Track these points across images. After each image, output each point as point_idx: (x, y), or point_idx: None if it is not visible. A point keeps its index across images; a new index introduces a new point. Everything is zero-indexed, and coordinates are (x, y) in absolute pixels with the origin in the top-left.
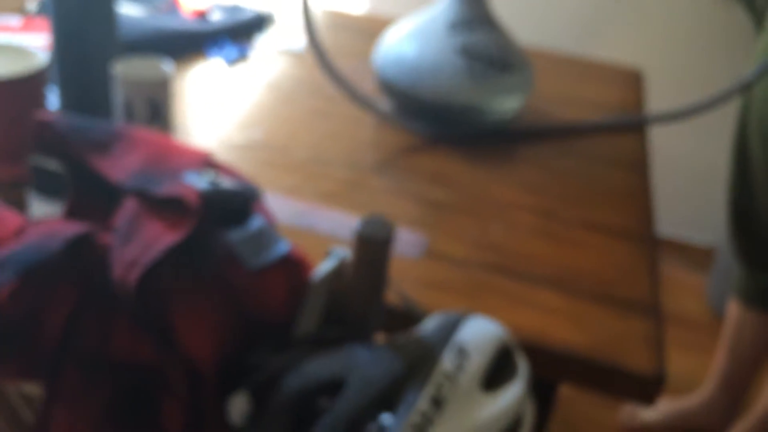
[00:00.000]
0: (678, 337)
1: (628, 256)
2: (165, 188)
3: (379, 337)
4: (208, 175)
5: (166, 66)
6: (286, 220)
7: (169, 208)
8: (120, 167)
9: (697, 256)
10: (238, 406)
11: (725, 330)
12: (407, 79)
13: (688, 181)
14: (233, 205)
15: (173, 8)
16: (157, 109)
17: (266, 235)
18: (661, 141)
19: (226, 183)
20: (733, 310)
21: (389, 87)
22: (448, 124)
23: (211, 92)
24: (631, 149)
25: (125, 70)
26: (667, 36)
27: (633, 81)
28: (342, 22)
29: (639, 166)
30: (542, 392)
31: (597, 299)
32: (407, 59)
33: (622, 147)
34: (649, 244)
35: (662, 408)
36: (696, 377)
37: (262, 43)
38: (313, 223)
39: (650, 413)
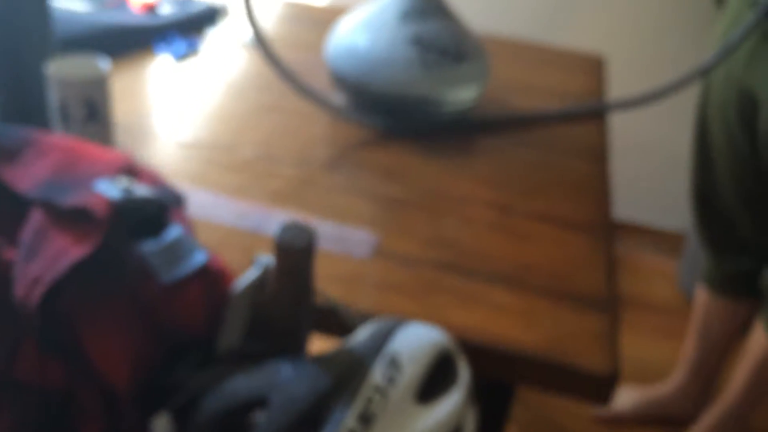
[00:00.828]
0: (649, 322)
1: (584, 248)
2: (72, 198)
3: (313, 349)
4: (121, 182)
5: (103, 64)
6: (230, 222)
7: (77, 219)
8: (28, 176)
9: (668, 242)
10: (161, 428)
11: (694, 317)
12: (359, 71)
13: (658, 166)
14: (148, 214)
15: (121, 2)
16: (93, 109)
17: (182, 246)
18: (631, 126)
19: (142, 191)
20: (701, 297)
21: (341, 80)
22: (402, 117)
23: (156, 89)
24: (590, 138)
25: (59, 69)
26: (630, 20)
27: (594, 68)
28: (300, 14)
29: (597, 155)
30: (499, 394)
31: (551, 295)
32: (358, 51)
33: (580, 136)
34: (605, 236)
35: (634, 396)
36: (668, 363)
37: (214, 36)
38: (258, 225)
39: (622, 402)
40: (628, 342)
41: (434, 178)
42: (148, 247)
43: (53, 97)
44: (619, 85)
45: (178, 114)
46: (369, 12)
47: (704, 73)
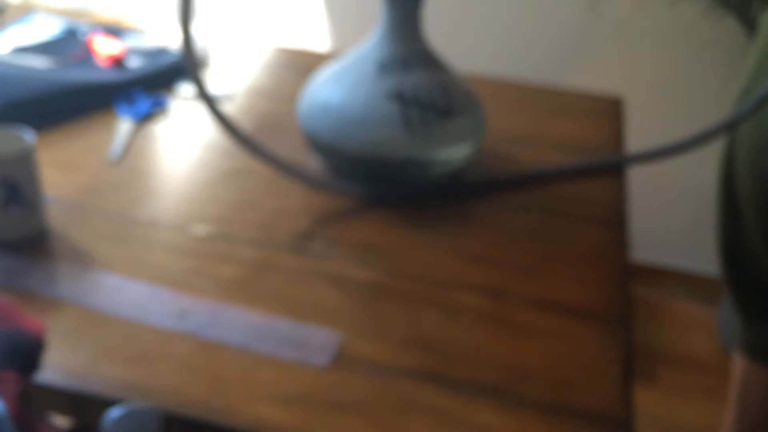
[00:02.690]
0: (685, 380)
1: (593, 345)
2: None
3: None
4: None
5: (26, 137)
6: (167, 325)
7: None
8: None
9: (705, 288)
10: None
11: (732, 385)
12: (332, 131)
13: (693, 206)
14: None
15: (87, 56)
16: (14, 190)
17: None
18: (669, 165)
19: None
20: (738, 362)
21: (314, 141)
22: (383, 183)
23: (104, 158)
24: (604, 197)
25: None
26: (651, 57)
27: (611, 111)
28: (292, 61)
29: (613, 219)
30: None
31: (550, 412)
32: (331, 107)
33: (594, 195)
34: (621, 326)
35: None
36: (708, 429)
37: (185, 91)
38: (196, 327)
39: None
40: (660, 403)
41: (418, 255)
42: None
43: None
44: (638, 130)
45: (126, 186)
46: (345, 62)
47: (735, 124)
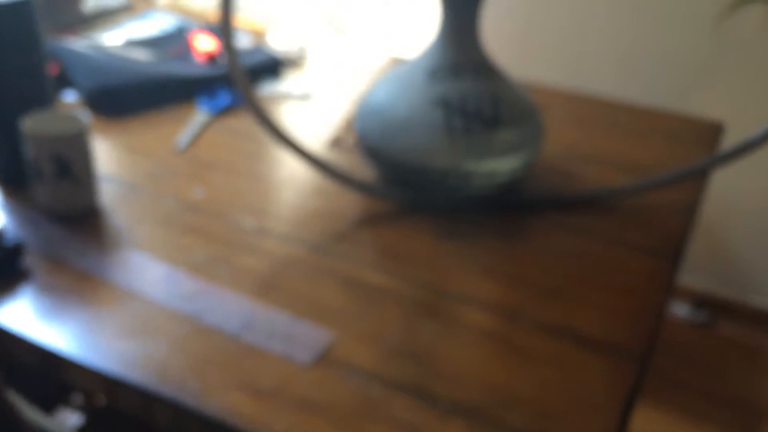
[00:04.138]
0: None
1: (599, 378)
2: None
3: None
4: None
5: (83, 119)
6: (169, 303)
7: None
8: None
9: None
10: None
11: None
12: (378, 133)
13: None
14: None
15: (186, 52)
16: (65, 166)
17: None
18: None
19: None
20: None
21: (363, 142)
22: (422, 191)
23: (169, 147)
24: (664, 226)
25: (34, 124)
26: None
27: (707, 137)
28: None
29: (666, 250)
30: None
31: None
32: (379, 110)
33: (652, 222)
34: (633, 365)
35: None
36: None
37: (272, 88)
38: (200, 310)
39: None
40: None
41: (438, 266)
42: None
43: (28, 153)
44: (749, 164)
45: (182, 174)
46: (404, 66)
47: None
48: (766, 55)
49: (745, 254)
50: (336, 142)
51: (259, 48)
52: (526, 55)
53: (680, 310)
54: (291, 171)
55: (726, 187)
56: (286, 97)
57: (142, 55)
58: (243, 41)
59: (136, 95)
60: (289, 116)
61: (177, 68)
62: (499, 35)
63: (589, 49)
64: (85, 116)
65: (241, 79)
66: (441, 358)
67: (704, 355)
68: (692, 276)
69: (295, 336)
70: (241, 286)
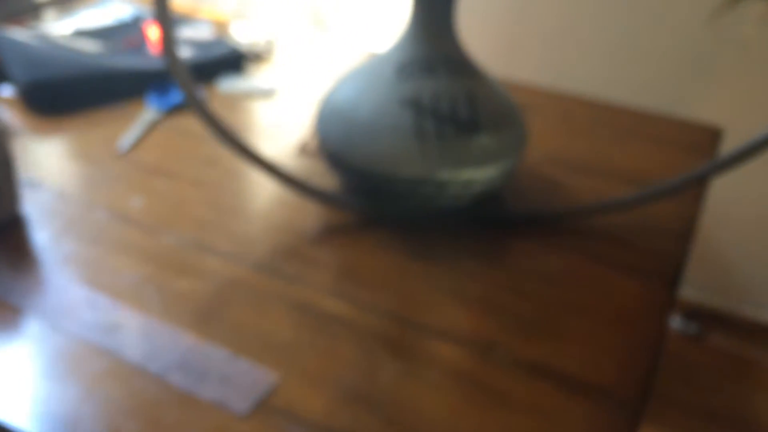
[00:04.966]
0: None
1: (581, 427)
2: None
3: None
4: None
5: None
6: (85, 336)
7: None
8: None
9: None
10: None
11: None
12: (339, 136)
13: None
14: None
15: (140, 44)
16: None
17: None
18: (747, 193)
19: None
20: None
21: (322, 145)
22: (389, 201)
23: (110, 149)
24: (661, 245)
25: None
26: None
27: (705, 143)
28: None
29: (662, 272)
30: None
31: None
32: (340, 109)
33: (647, 240)
34: (627, 413)
35: None
36: None
37: (232, 84)
38: (122, 345)
39: None
40: None
41: (405, 291)
42: None
43: None
44: (753, 171)
45: (120, 180)
46: (370, 61)
47: None
48: (766, 53)
49: (738, 264)
50: (303, 146)
51: (220, 40)
52: (509, 52)
53: (671, 321)
54: (244, 178)
55: (717, 194)
56: (249, 94)
57: (89, 46)
58: (203, 32)
59: (76, 90)
60: (250, 116)
61: (126, 61)
62: (478, 30)
63: (576, 46)
64: (6, 114)
65: (179, 72)
66: (402, 402)
67: (696, 368)
68: (683, 286)
69: (231, 378)
70: (172, 315)
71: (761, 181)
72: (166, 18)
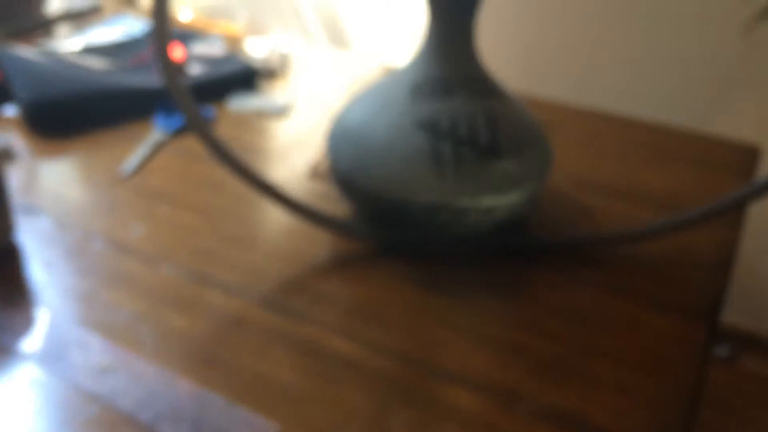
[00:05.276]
0: None
1: None
2: None
3: None
4: None
5: None
6: (76, 380)
7: None
8: None
9: None
10: None
11: None
12: (351, 159)
13: None
14: None
15: (150, 61)
16: None
17: None
18: None
19: None
20: None
21: (334, 169)
22: (403, 230)
23: (113, 173)
24: (698, 279)
25: None
26: None
27: (742, 164)
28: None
29: (700, 309)
30: None
31: None
32: (353, 132)
33: (684, 273)
34: None
35: None
36: None
37: (244, 102)
38: (110, 391)
39: None
40: None
41: (421, 330)
42: None
43: None
44: None
45: (122, 206)
46: (386, 80)
47: None
48: None
49: None
50: (314, 169)
51: (232, 56)
52: (530, 68)
53: None
54: (250, 204)
55: (749, 209)
56: (261, 112)
57: (96, 64)
58: (215, 48)
59: (81, 110)
60: (261, 135)
61: (134, 79)
62: (497, 43)
63: (601, 59)
64: (7, 137)
65: (178, 90)
66: None
67: (726, 392)
68: None
69: (227, 430)
70: (168, 356)
71: None
72: (164, 31)
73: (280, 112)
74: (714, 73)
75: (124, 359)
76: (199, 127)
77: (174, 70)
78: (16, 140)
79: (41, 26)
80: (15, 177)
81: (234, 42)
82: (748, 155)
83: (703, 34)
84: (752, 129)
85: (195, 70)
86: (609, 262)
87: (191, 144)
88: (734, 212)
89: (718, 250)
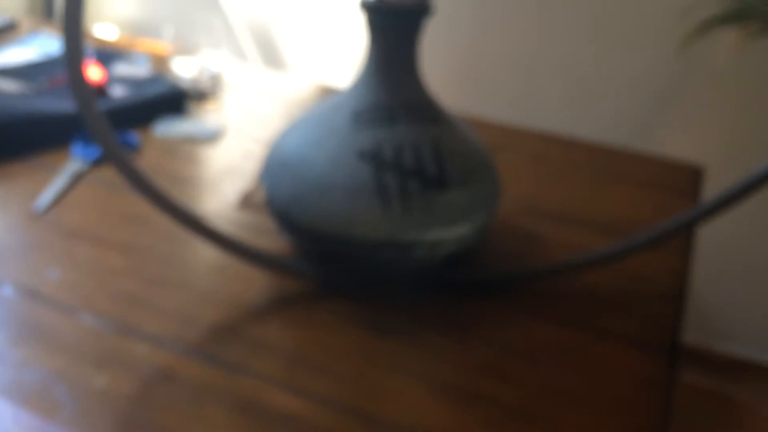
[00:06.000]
0: None
1: None
2: None
3: None
4: None
5: None
6: None
7: None
8: None
9: None
10: None
11: None
12: (289, 193)
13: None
14: None
15: (66, 83)
16: None
17: None
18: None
19: None
20: None
21: (270, 202)
22: (345, 267)
23: (26, 209)
24: (654, 308)
25: None
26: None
27: (687, 184)
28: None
29: (660, 341)
30: None
31: None
32: (290, 163)
33: (638, 302)
34: None
35: None
36: None
37: (170, 127)
38: None
39: None
40: None
41: (369, 378)
42: None
43: None
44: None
45: (35, 248)
46: (324, 106)
47: None
48: (740, 83)
49: (708, 299)
50: (247, 199)
51: (158, 77)
52: (471, 88)
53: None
54: (178, 241)
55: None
56: (190, 137)
57: (9, 87)
58: (140, 69)
59: (11, 135)
60: (191, 163)
61: (50, 104)
62: (440, 64)
63: (544, 79)
64: None
65: (92, 115)
66: None
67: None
68: None
69: None
70: (87, 422)
71: (727, 215)
72: (75, 48)
73: (211, 137)
74: (654, 89)
75: (37, 428)
76: (115, 156)
77: (87, 92)
78: None
79: None
80: None
81: (161, 62)
82: (693, 176)
83: (642, 52)
84: (692, 145)
85: (118, 92)
86: (563, 293)
87: (113, 175)
88: (684, 235)
89: (670, 276)
